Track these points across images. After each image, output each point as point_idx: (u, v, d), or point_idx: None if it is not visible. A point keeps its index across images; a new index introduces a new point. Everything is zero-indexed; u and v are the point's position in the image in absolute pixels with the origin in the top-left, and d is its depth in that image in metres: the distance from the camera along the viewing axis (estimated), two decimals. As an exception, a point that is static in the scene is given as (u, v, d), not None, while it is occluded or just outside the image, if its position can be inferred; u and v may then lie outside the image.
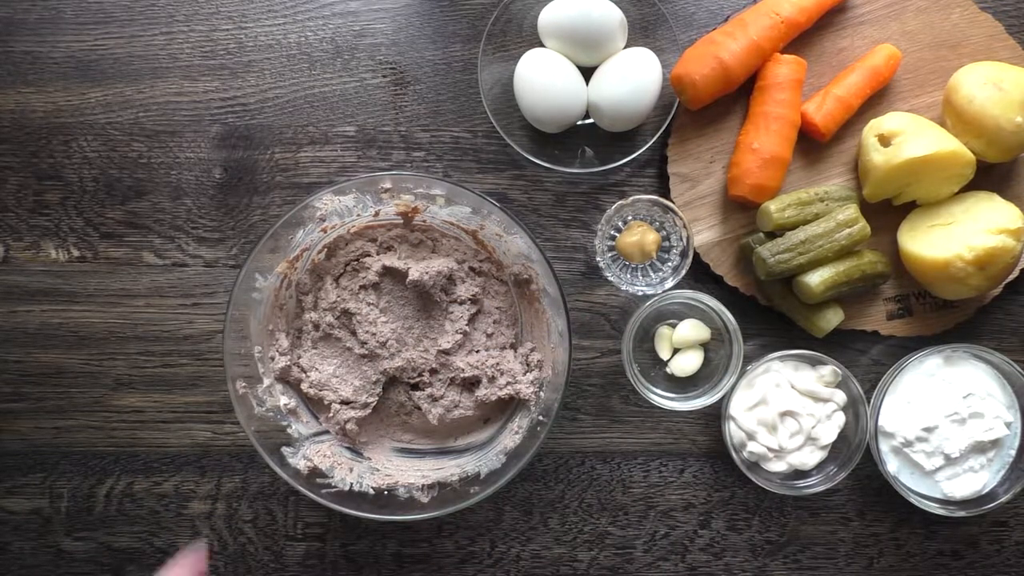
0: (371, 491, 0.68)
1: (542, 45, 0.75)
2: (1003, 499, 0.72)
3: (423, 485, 0.68)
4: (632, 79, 0.72)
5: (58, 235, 0.77)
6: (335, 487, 0.67)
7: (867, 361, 0.77)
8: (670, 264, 0.75)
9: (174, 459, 0.76)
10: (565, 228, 0.78)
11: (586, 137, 0.77)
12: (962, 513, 0.73)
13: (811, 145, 0.76)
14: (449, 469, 0.70)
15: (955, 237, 0.70)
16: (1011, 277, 0.75)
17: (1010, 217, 0.70)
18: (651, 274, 0.76)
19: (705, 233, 0.76)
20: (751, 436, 0.73)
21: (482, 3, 0.78)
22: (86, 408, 0.76)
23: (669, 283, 0.74)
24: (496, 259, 0.73)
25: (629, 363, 0.73)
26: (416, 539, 0.76)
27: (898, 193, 0.74)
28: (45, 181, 0.77)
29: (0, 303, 0.76)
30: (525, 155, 0.75)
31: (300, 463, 0.68)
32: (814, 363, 0.74)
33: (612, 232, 0.75)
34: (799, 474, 0.74)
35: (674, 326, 0.76)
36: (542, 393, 0.71)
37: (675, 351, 0.76)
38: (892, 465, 0.73)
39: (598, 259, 0.74)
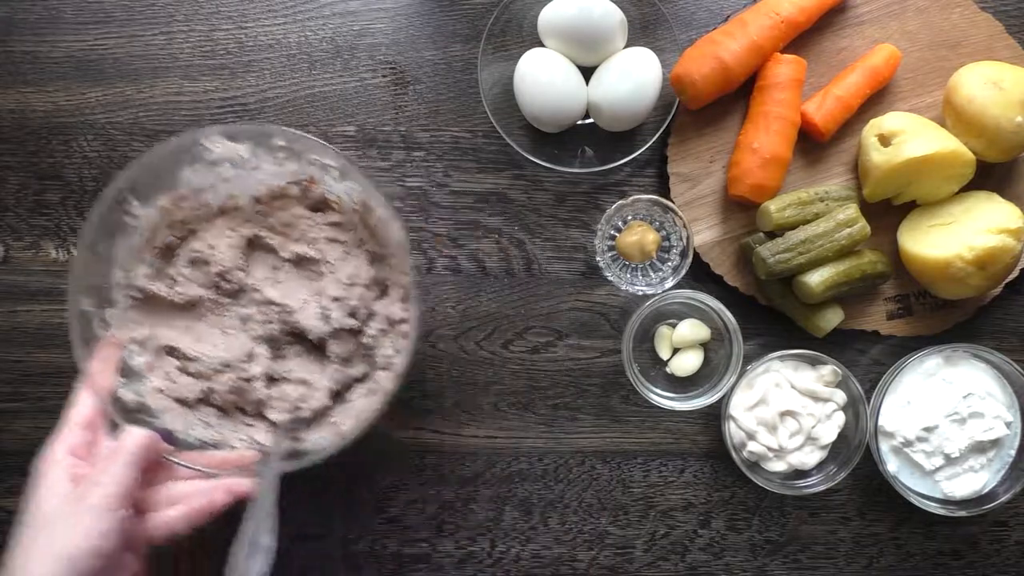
0: (197, 443, 0.65)
1: (542, 45, 0.75)
2: (1003, 499, 0.72)
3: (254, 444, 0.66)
4: (632, 79, 0.72)
5: (58, 235, 0.77)
6: (157, 429, 0.62)
7: (867, 361, 0.77)
8: (670, 264, 0.75)
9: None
10: (565, 228, 0.78)
11: (586, 137, 0.77)
12: (962, 513, 0.73)
13: (811, 145, 0.76)
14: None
15: (955, 237, 0.70)
16: (1011, 277, 0.75)
17: (1010, 217, 0.70)
18: (651, 274, 0.76)
19: (705, 233, 0.76)
20: (751, 436, 0.73)
21: (482, 3, 0.78)
22: (86, 408, 0.76)
23: (669, 283, 0.74)
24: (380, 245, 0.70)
25: (629, 363, 0.73)
26: (416, 539, 0.76)
27: (898, 193, 0.74)
28: (45, 181, 0.77)
29: (0, 303, 0.76)
30: (525, 155, 0.75)
31: (129, 395, 0.63)
32: (814, 363, 0.74)
33: (612, 232, 0.75)
34: (799, 474, 0.74)
35: (674, 326, 0.76)
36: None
37: (675, 351, 0.76)
38: (892, 465, 0.73)
39: (598, 259, 0.74)
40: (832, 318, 0.73)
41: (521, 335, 0.77)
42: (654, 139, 0.75)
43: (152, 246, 0.68)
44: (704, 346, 0.76)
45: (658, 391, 0.74)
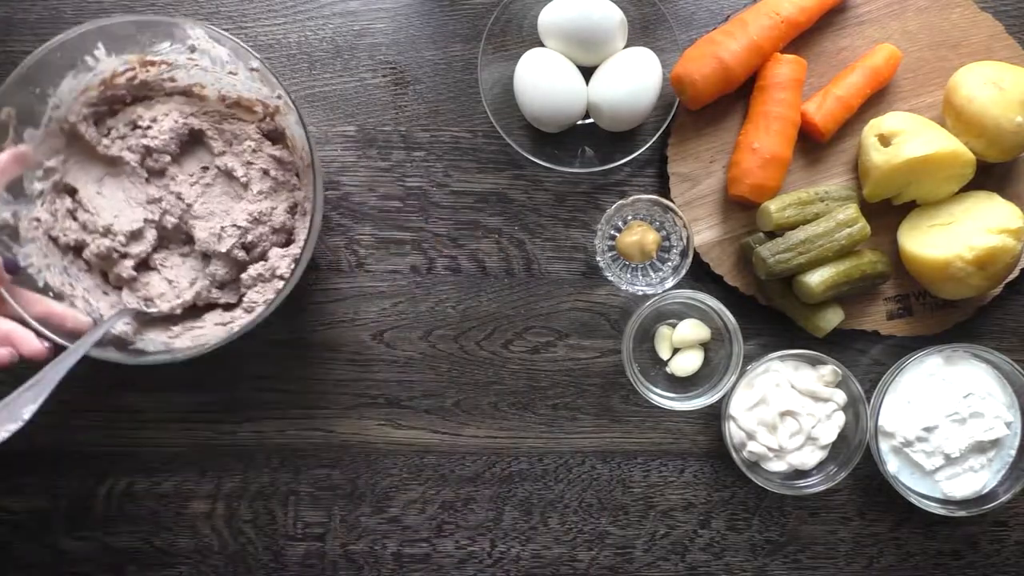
0: (42, 285, 0.65)
1: (542, 45, 0.75)
2: (1003, 499, 0.72)
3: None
4: (632, 79, 0.72)
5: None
6: (9, 257, 0.62)
7: (867, 361, 0.77)
8: (670, 264, 0.75)
9: (174, 459, 0.76)
10: (565, 228, 0.78)
11: (586, 137, 0.77)
12: (962, 513, 0.73)
13: (811, 145, 0.76)
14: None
15: (955, 237, 0.70)
16: (1011, 277, 0.75)
17: (1010, 217, 0.70)
18: (651, 274, 0.76)
19: (705, 233, 0.76)
20: (751, 436, 0.73)
21: (482, 3, 0.78)
22: (86, 408, 0.76)
23: (669, 283, 0.74)
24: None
25: (629, 363, 0.73)
26: (416, 539, 0.76)
27: (898, 193, 0.74)
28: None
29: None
30: (525, 155, 0.75)
31: (5, 213, 0.63)
32: (814, 363, 0.74)
33: (612, 232, 0.75)
34: (799, 474, 0.74)
35: (674, 326, 0.76)
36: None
37: (675, 351, 0.76)
38: (892, 465, 0.73)
39: (598, 259, 0.74)
40: (832, 318, 0.73)
41: (521, 335, 0.77)
42: (654, 139, 0.75)
43: (102, 92, 0.68)
44: (704, 346, 0.76)
45: (658, 391, 0.74)
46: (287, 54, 0.77)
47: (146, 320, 0.70)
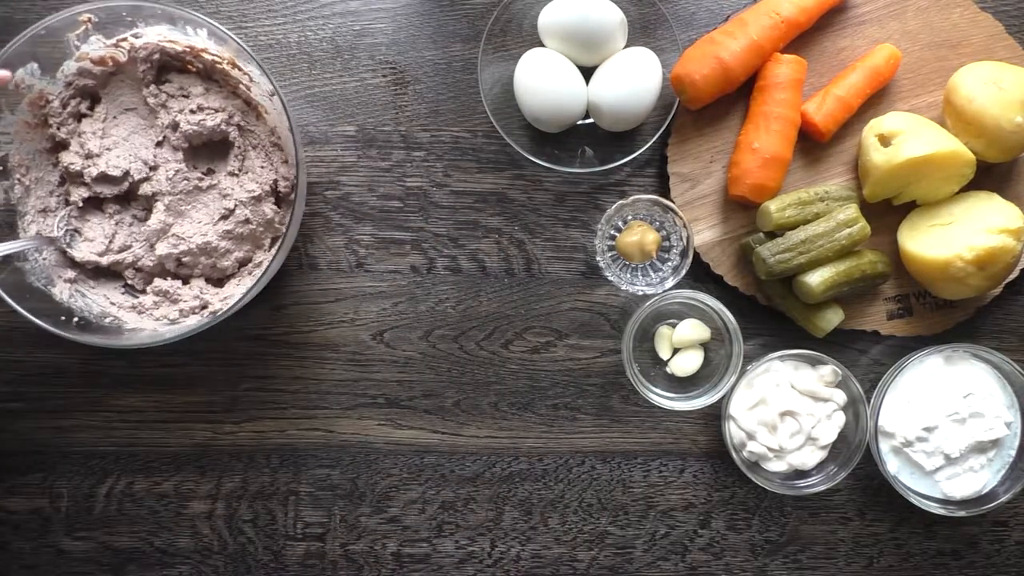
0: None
1: (542, 45, 0.75)
2: (1003, 499, 0.72)
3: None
4: (632, 79, 0.72)
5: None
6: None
7: (867, 361, 0.77)
8: (670, 264, 0.75)
9: (174, 459, 0.76)
10: (565, 228, 0.78)
11: (586, 137, 0.77)
12: (962, 513, 0.73)
13: (811, 145, 0.76)
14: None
15: (955, 237, 0.70)
16: (1011, 277, 0.75)
17: (1010, 217, 0.70)
18: (651, 274, 0.76)
19: (705, 233, 0.76)
20: (751, 436, 0.73)
21: (482, 3, 0.78)
22: (86, 408, 0.76)
23: (669, 283, 0.74)
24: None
25: (629, 363, 0.73)
26: (416, 539, 0.76)
27: (898, 193, 0.74)
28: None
29: (1, 303, 0.76)
30: (525, 155, 0.75)
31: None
32: (814, 363, 0.74)
33: (612, 232, 0.75)
34: (799, 474, 0.74)
35: (674, 326, 0.76)
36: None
37: (675, 351, 0.76)
38: (892, 465, 0.73)
39: (598, 259, 0.74)
40: (832, 318, 0.73)
41: (521, 335, 0.77)
42: (654, 139, 0.75)
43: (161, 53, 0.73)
44: (704, 346, 0.76)
45: (658, 391, 0.74)
46: (287, 54, 0.77)
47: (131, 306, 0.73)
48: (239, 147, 0.74)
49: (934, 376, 0.73)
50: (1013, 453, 0.74)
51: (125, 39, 0.71)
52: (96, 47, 0.71)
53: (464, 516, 0.77)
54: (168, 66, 0.74)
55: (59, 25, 0.68)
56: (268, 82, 0.67)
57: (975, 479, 0.73)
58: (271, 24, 0.78)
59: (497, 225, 0.77)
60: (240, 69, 0.72)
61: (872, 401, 0.73)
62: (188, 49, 0.72)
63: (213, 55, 0.72)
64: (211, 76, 0.74)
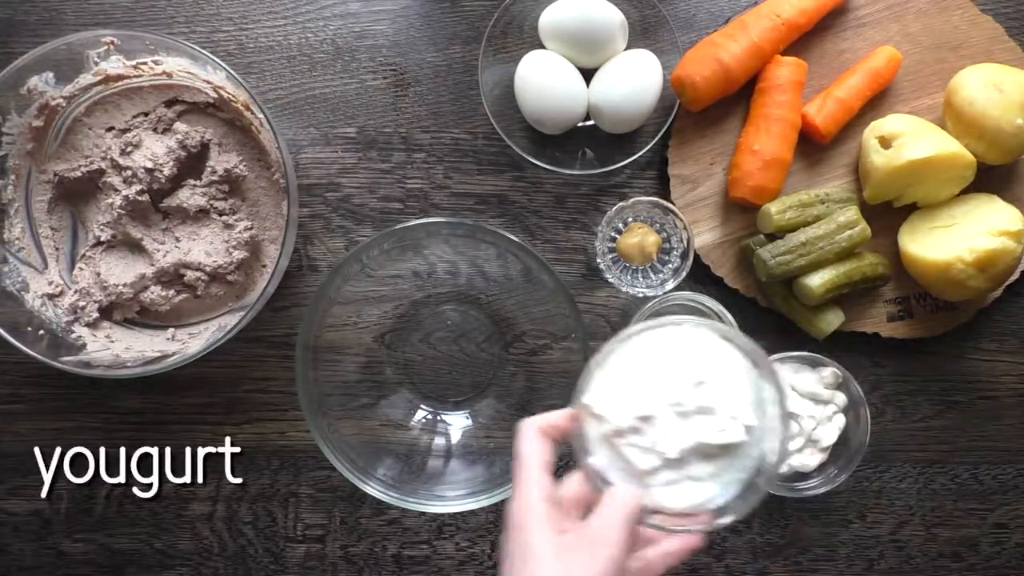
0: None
1: (543, 47, 0.75)
2: (723, 520, 0.51)
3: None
4: (633, 81, 0.72)
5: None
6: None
7: (868, 363, 0.77)
8: (671, 266, 0.75)
9: (174, 461, 0.76)
10: (565, 230, 0.78)
11: (586, 139, 0.77)
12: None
13: (812, 147, 0.76)
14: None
15: (956, 239, 0.70)
16: (1012, 279, 0.75)
17: (1011, 219, 0.70)
18: (652, 276, 0.76)
19: (706, 235, 0.76)
20: (751, 438, 0.72)
21: (483, 5, 0.78)
22: (86, 408, 0.76)
23: (670, 285, 0.74)
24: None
25: (629, 365, 0.73)
26: (416, 541, 0.76)
27: (899, 195, 0.74)
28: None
29: (2, 303, 0.76)
30: (525, 157, 0.75)
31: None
32: (815, 365, 0.74)
33: (612, 234, 0.75)
34: (799, 476, 0.74)
35: (674, 328, 0.76)
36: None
37: (675, 353, 0.76)
38: (600, 458, 0.52)
39: (598, 261, 0.74)
40: (833, 320, 0.73)
41: (520, 337, 0.77)
42: (655, 141, 0.75)
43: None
44: (704, 348, 0.76)
45: (658, 393, 0.74)
46: (288, 56, 0.77)
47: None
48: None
49: (667, 353, 0.52)
50: (749, 465, 0.51)
51: (145, 63, 0.72)
52: (115, 65, 0.71)
53: (464, 518, 0.77)
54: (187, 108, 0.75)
55: (80, 42, 0.69)
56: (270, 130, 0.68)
57: (696, 490, 0.51)
58: (272, 26, 0.78)
59: (497, 227, 0.77)
60: (252, 112, 0.72)
61: (582, 374, 0.53)
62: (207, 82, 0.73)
63: (229, 95, 0.72)
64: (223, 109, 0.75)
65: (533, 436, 0.53)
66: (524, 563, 0.48)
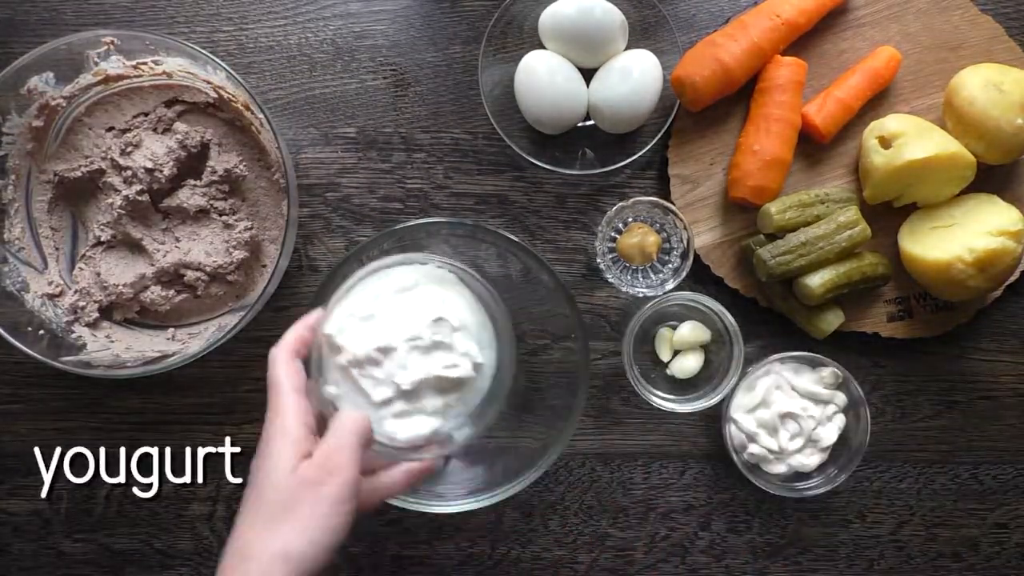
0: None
1: (543, 47, 0.75)
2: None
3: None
4: (633, 81, 0.72)
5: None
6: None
7: (867, 363, 0.77)
8: (671, 266, 0.75)
9: (174, 461, 0.76)
10: (565, 230, 0.78)
11: (587, 139, 0.77)
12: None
13: (812, 147, 0.76)
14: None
15: (956, 239, 0.70)
16: (1012, 279, 0.75)
17: (1011, 219, 0.70)
18: (652, 276, 0.76)
19: (706, 235, 0.76)
20: (751, 438, 0.73)
21: (483, 5, 0.78)
22: (86, 408, 0.76)
23: (670, 285, 0.74)
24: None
25: (629, 365, 0.73)
26: (416, 541, 0.76)
27: (899, 195, 0.74)
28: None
29: (2, 304, 0.76)
30: (525, 157, 0.75)
31: None
32: (815, 365, 0.74)
33: (612, 234, 0.75)
34: (799, 476, 0.74)
35: (674, 328, 0.76)
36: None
37: (675, 353, 0.76)
38: (335, 388, 0.56)
39: (598, 261, 0.74)
40: (832, 320, 0.73)
41: (520, 337, 0.77)
42: (655, 141, 0.75)
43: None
44: (704, 348, 0.76)
45: (659, 393, 0.74)
46: (288, 56, 0.77)
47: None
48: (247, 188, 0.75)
49: (409, 289, 0.57)
50: (476, 400, 0.57)
51: (145, 63, 0.72)
52: (115, 65, 0.71)
53: (464, 518, 0.77)
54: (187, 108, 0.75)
55: (80, 42, 0.69)
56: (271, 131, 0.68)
57: (423, 422, 0.56)
58: (272, 26, 0.78)
59: (498, 227, 0.77)
60: (252, 112, 0.72)
61: (328, 303, 0.57)
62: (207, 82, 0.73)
63: (229, 95, 0.72)
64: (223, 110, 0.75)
65: (286, 361, 0.55)
66: (261, 492, 0.51)
